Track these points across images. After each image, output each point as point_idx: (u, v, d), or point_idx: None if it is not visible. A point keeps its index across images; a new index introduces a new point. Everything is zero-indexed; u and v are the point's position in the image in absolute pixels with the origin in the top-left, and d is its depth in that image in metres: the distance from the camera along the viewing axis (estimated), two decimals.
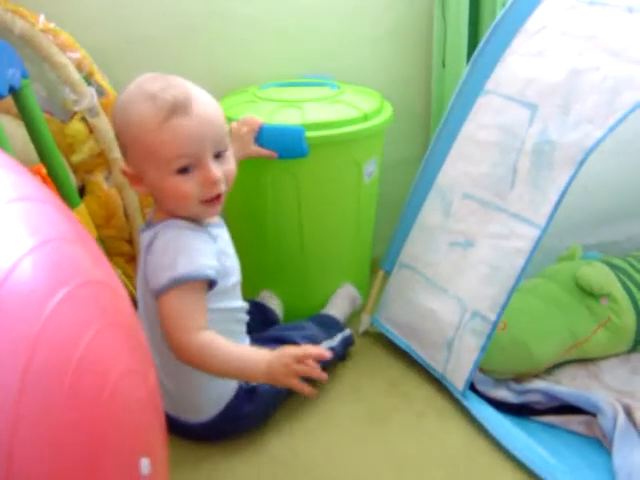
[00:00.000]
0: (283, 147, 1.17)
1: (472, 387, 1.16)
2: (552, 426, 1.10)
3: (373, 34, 1.46)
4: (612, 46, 1.01)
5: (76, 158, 1.24)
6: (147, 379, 0.66)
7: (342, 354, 1.26)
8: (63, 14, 1.24)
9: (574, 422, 1.09)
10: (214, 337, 0.92)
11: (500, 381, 1.18)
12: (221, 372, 0.95)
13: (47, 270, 0.54)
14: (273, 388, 1.07)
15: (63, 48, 1.20)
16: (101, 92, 1.23)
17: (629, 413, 1.07)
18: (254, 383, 1.06)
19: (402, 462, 1.05)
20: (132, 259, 1.34)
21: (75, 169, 1.26)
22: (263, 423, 1.11)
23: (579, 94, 1.02)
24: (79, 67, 1.21)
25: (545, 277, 1.31)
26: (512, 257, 1.07)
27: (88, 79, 1.22)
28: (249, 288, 1.06)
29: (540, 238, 1.04)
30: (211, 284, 0.95)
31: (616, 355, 1.26)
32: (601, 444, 1.06)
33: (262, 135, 1.17)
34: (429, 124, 1.53)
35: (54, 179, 1.13)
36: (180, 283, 0.91)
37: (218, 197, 0.96)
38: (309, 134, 1.17)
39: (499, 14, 1.18)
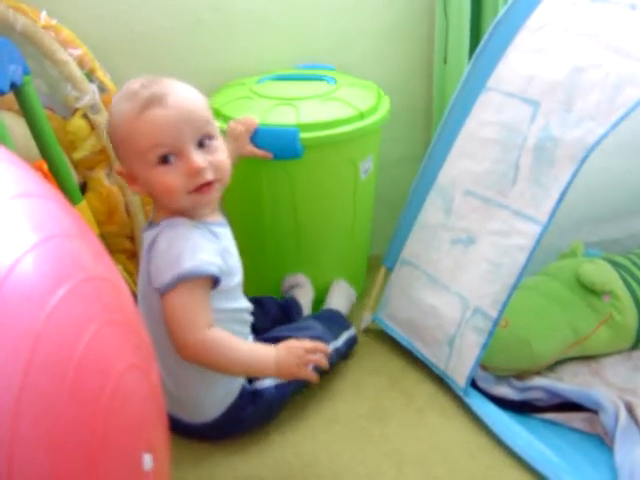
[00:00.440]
0: (277, 148, 1.18)
1: (474, 384, 1.15)
2: (554, 423, 1.10)
3: (374, 30, 1.45)
4: (614, 43, 1.00)
5: (78, 155, 1.24)
6: (149, 375, 0.66)
7: (345, 354, 1.26)
8: (65, 11, 1.24)
9: (576, 419, 1.09)
10: (221, 333, 0.93)
11: (502, 378, 1.18)
12: (229, 368, 0.96)
13: (49, 266, 0.54)
14: (277, 390, 1.08)
15: (65, 45, 1.20)
16: (103, 89, 1.23)
17: (631, 410, 1.07)
18: (261, 379, 1.07)
19: (404, 459, 1.05)
20: (133, 256, 1.34)
21: (76, 166, 1.26)
22: (266, 425, 1.11)
23: (581, 91, 1.01)
24: (81, 64, 1.21)
25: (547, 274, 1.31)
26: (514, 254, 1.07)
27: (90, 76, 1.22)
28: (246, 287, 1.06)
29: (542, 235, 1.04)
30: (215, 282, 0.95)
31: (618, 352, 1.26)
32: (603, 441, 1.06)
33: (257, 136, 1.17)
34: (430, 121, 1.53)
35: (55, 175, 1.13)
36: (184, 280, 0.91)
37: (208, 185, 0.95)
38: (304, 135, 1.17)
39: (501, 11, 1.17)
